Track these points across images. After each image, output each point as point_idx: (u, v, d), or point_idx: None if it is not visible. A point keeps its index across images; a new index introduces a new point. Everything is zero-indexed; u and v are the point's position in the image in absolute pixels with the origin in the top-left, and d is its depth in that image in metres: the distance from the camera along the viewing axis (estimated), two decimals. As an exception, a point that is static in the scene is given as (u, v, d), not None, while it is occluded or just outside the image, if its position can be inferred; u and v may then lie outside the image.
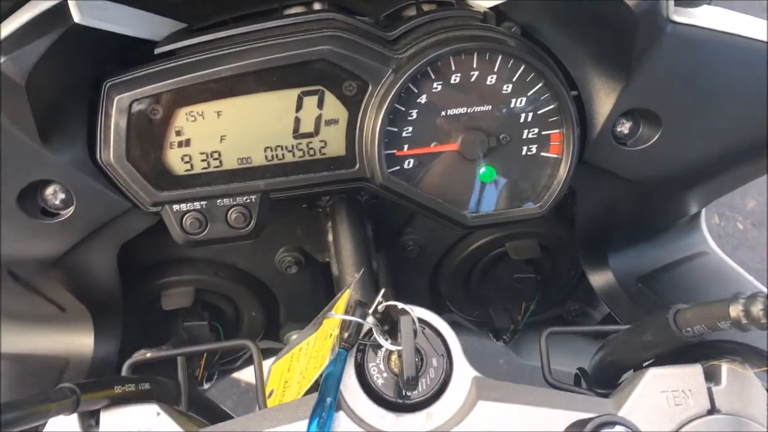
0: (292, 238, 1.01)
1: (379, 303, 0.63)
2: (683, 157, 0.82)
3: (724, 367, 0.64)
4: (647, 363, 0.70)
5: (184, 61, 0.74)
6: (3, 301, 0.88)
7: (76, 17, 0.67)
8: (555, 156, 0.79)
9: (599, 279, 0.98)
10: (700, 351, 0.68)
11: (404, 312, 0.61)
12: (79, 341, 0.92)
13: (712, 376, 0.64)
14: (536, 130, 0.78)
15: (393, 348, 0.61)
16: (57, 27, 0.66)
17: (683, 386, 0.64)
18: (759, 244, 2.93)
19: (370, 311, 0.62)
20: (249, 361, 1.21)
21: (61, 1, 0.66)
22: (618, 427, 0.50)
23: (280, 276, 1.03)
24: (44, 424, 0.61)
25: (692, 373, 0.64)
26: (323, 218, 0.96)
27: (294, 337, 1.13)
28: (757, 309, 0.57)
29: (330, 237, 0.93)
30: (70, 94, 0.72)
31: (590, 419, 0.52)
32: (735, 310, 0.59)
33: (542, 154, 0.79)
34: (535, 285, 1.10)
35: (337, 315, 0.63)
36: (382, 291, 0.63)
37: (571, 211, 1.02)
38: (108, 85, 0.73)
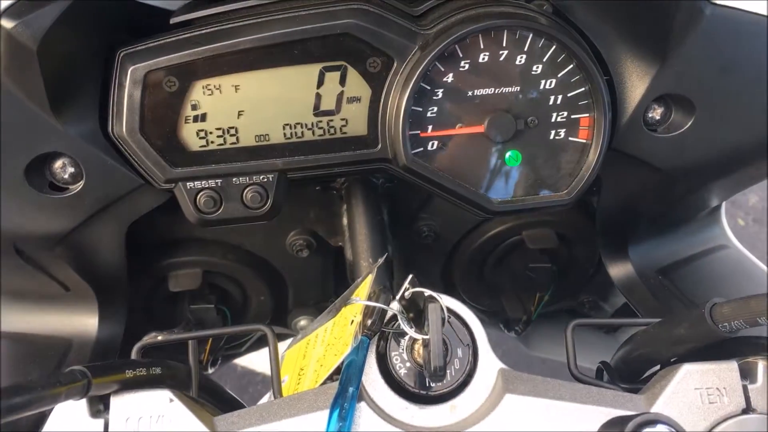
0: (305, 220, 0.98)
1: (406, 289, 0.60)
2: (714, 145, 0.79)
3: (761, 365, 0.62)
4: (675, 359, 0.67)
5: (202, 32, 0.71)
6: (7, 278, 0.86)
7: (93, -21, 0.64)
8: (584, 141, 0.76)
9: (618, 270, 0.96)
10: (732, 347, 0.66)
11: (432, 299, 0.58)
12: (83, 322, 0.89)
13: (747, 374, 0.62)
14: (565, 114, 0.75)
15: (418, 336, 0.59)
16: (73, -11, 0.63)
17: (718, 383, 0.61)
18: (760, 240, 2.91)
19: (397, 297, 0.60)
20: (254, 347, 1.19)
21: (76, -37, 0.63)
22: (660, 426, 0.48)
23: (291, 259, 1.01)
24: (51, 409, 0.58)
25: (727, 370, 0.61)
26: (338, 201, 0.94)
27: (303, 323, 1.11)
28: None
29: (344, 220, 0.91)
30: (82, 63, 0.69)
31: (629, 417, 0.49)
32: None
33: (571, 138, 0.76)
34: (550, 275, 1.07)
35: (360, 301, 0.60)
36: (410, 277, 0.60)
37: (591, 199, 1.00)
38: (122, 54, 0.70)
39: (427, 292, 0.59)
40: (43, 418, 0.58)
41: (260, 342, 1.18)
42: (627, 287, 0.95)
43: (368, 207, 0.89)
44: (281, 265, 1.02)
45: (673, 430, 0.48)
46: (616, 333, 1.18)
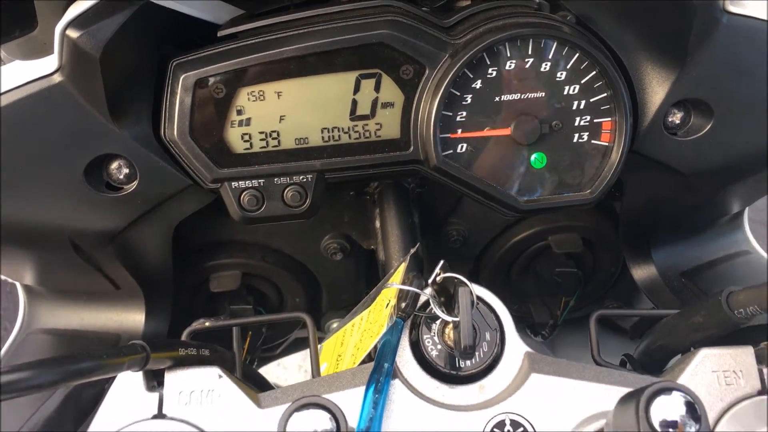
0: (339, 224, 1.03)
1: (438, 274, 0.64)
2: (733, 148, 0.83)
3: (777, 350, 0.65)
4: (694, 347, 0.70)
5: (248, 42, 0.76)
6: (61, 275, 0.91)
7: (151, -6, 0.70)
8: (606, 144, 0.80)
9: (642, 272, 0.99)
10: (749, 334, 0.69)
11: (462, 283, 0.62)
12: (131, 319, 0.94)
13: (762, 359, 0.65)
14: (588, 118, 0.79)
15: (449, 319, 0.63)
16: (132, 4, 0.69)
17: (734, 366, 0.64)
18: (761, 242, 2.90)
19: (429, 281, 0.64)
20: (288, 350, 1.23)
21: (135, -20, 0.70)
22: (675, 393, 0.51)
23: (325, 262, 1.05)
24: (111, 382, 0.63)
25: (744, 354, 0.65)
26: (370, 205, 0.98)
27: (335, 325, 1.15)
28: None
29: (377, 223, 0.95)
30: (137, 71, 0.75)
31: (645, 388, 0.53)
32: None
33: (593, 141, 0.80)
34: (576, 280, 1.10)
35: (395, 285, 0.65)
36: (441, 262, 0.65)
37: (615, 205, 1.03)
38: (174, 63, 0.75)
39: (458, 276, 0.63)
40: (101, 393, 0.63)
41: (294, 346, 1.23)
42: (650, 289, 0.98)
43: (400, 210, 0.93)
44: (316, 268, 1.07)
45: (688, 397, 0.51)
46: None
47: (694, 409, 0.50)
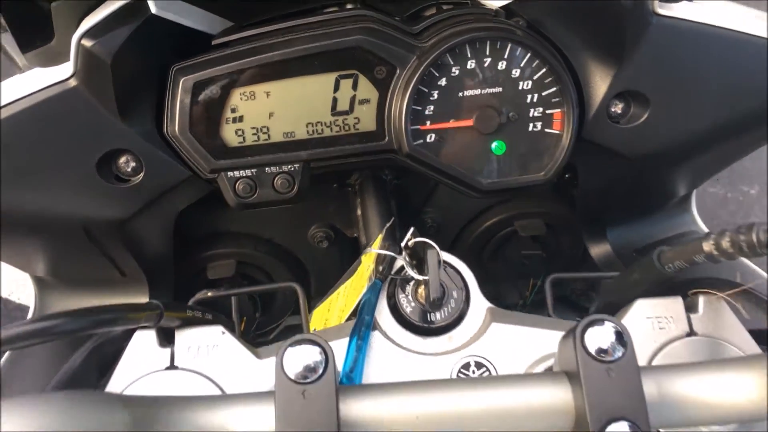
0: (324, 215, 1.13)
1: (409, 239, 0.74)
2: (670, 134, 0.93)
3: (701, 298, 0.75)
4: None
5: (239, 49, 0.86)
6: (73, 263, 1.01)
7: (153, 9, 0.80)
8: (557, 132, 0.91)
9: (599, 250, 1.10)
10: (682, 287, 0.80)
11: (430, 246, 0.73)
12: (134, 305, 1.03)
13: (691, 306, 0.76)
14: (541, 110, 0.90)
15: (420, 278, 0.73)
16: (138, 17, 0.79)
17: (666, 314, 0.75)
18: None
19: (402, 245, 0.74)
20: (281, 336, 1.32)
21: (141, -5, 0.80)
22: (607, 324, 0.61)
23: (312, 250, 1.15)
24: (129, 341, 0.72)
25: (674, 303, 0.75)
26: (352, 196, 1.08)
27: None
28: (725, 242, 0.68)
29: (359, 211, 1.05)
30: (143, 75, 0.85)
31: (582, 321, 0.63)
32: (707, 245, 0.70)
33: (546, 130, 0.91)
34: (541, 262, 1.21)
35: (373, 249, 0.75)
36: (411, 229, 0.75)
37: (573, 192, 1.14)
38: (175, 68, 0.85)
39: (426, 240, 0.74)
40: (120, 350, 0.72)
41: (285, 333, 1.32)
42: (606, 264, 1.09)
43: (378, 198, 1.03)
44: (304, 255, 1.17)
45: (617, 327, 0.61)
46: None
47: (621, 336, 0.60)
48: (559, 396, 0.60)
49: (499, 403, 0.60)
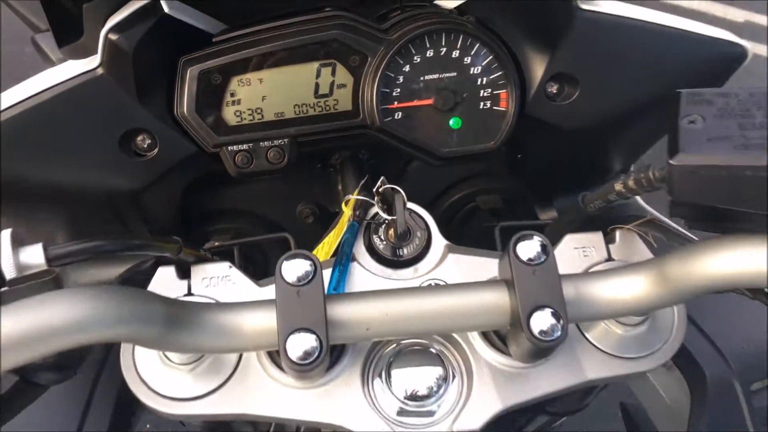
0: (310, 194, 1.29)
1: (379, 186, 0.92)
2: (598, 110, 1.11)
3: (617, 232, 0.93)
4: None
5: (236, 44, 1.03)
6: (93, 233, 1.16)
7: (166, 9, 0.97)
8: (503, 109, 1.08)
9: (546, 217, 1.27)
10: (604, 225, 0.97)
11: (397, 191, 0.90)
12: (146, 271, 1.19)
13: (610, 239, 0.93)
14: (489, 90, 1.08)
15: (389, 217, 0.90)
16: (154, 16, 0.96)
17: (589, 244, 0.92)
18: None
19: (374, 191, 0.91)
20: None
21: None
22: (535, 238, 0.78)
23: (300, 225, 1.32)
24: (152, 278, 0.88)
25: (596, 236, 0.93)
26: (334, 175, 1.25)
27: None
28: (630, 181, 0.86)
29: (339, 187, 1.22)
30: (157, 65, 1.01)
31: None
32: (618, 185, 0.88)
33: (494, 108, 1.08)
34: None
35: (351, 196, 0.92)
36: (382, 178, 0.92)
37: (526, 171, 1.32)
38: (183, 60, 1.02)
39: (394, 187, 0.91)
40: (146, 283, 0.88)
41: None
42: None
43: (356, 176, 1.20)
44: (293, 230, 1.33)
45: (542, 240, 0.78)
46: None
47: (545, 247, 0.77)
48: (498, 297, 0.77)
49: (453, 304, 0.77)
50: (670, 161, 0.68)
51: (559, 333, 0.73)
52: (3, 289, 0.70)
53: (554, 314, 0.73)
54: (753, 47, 1.11)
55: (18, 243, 0.75)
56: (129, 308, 0.67)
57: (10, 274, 0.72)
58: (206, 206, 1.27)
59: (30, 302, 0.62)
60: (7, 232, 0.74)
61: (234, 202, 1.28)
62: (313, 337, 0.72)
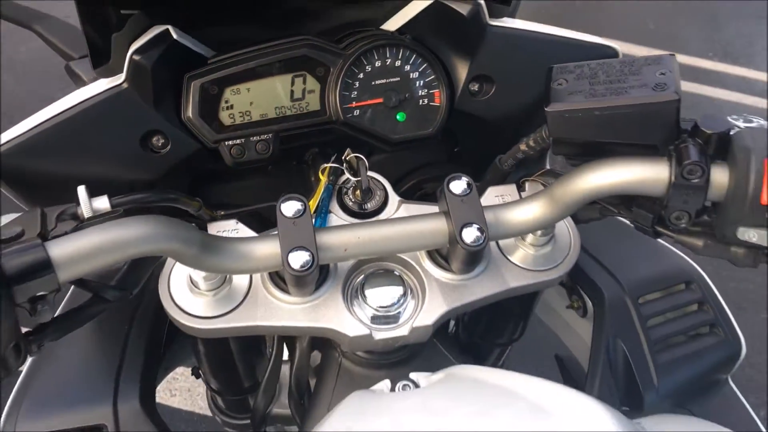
0: (289, 185, 1.57)
1: (347, 154, 1.21)
2: (511, 103, 1.41)
3: (527, 183, 1.24)
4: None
5: (228, 62, 1.33)
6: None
7: (175, 36, 1.27)
8: (438, 104, 1.39)
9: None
10: (518, 179, 1.28)
11: (360, 158, 1.20)
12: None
13: (522, 188, 1.24)
14: (426, 90, 1.38)
15: (354, 178, 1.20)
16: (166, 41, 1.26)
17: (506, 193, 1.23)
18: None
19: (342, 158, 1.21)
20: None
21: (166, 29, 1.26)
22: (462, 178, 1.08)
23: None
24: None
25: (511, 188, 1.24)
26: (307, 170, 1.55)
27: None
28: (530, 140, 1.17)
29: (312, 179, 1.51)
30: (168, 79, 1.29)
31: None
32: (522, 145, 1.19)
33: (430, 103, 1.39)
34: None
35: (326, 164, 1.22)
36: (348, 149, 1.22)
37: (461, 158, 1.63)
38: (187, 76, 1.31)
39: (359, 155, 1.21)
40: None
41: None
42: None
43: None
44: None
45: (468, 180, 1.08)
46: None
47: (471, 184, 1.07)
48: (439, 222, 1.06)
49: (408, 230, 1.06)
50: (546, 109, 0.99)
51: (482, 242, 1.03)
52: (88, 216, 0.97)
53: (479, 229, 1.03)
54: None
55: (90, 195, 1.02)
56: (177, 231, 0.95)
57: (88, 214, 0.98)
58: (206, 199, 1.55)
59: (112, 222, 0.89)
60: (82, 188, 1.00)
61: (229, 196, 1.56)
62: (307, 253, 1.00)
